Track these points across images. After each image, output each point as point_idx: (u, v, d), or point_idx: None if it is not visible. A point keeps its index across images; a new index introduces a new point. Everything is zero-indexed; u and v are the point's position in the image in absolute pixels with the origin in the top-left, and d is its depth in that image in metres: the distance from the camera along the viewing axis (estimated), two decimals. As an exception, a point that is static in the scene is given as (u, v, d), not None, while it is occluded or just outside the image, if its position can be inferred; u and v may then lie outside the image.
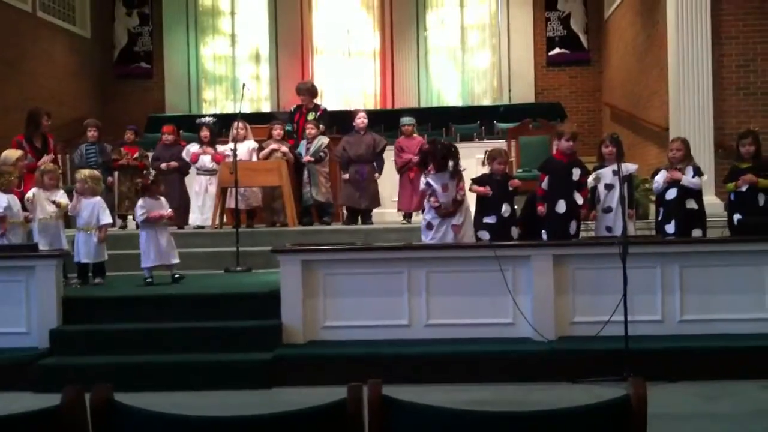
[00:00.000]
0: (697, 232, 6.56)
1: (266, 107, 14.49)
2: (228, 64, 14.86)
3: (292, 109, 10.18)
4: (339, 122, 10.89)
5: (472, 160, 8.69)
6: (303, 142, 9.38)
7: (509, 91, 14.19)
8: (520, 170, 10.08)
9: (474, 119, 12.65)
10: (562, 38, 14.16)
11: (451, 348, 5.55)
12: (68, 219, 7.34)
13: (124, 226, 9.33)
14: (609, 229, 6.65)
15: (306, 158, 9.25)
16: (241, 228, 8.02)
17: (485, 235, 6.62)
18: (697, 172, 6.68)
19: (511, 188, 6.83)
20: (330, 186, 9.41)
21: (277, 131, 9.48)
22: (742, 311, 5.66)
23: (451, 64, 14.64)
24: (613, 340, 5.28)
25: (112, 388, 2.14)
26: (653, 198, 7.43)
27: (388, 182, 9.68)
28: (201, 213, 9.13)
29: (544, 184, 6.77)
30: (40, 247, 6.36)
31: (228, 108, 14.33)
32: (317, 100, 10.21)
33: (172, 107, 14.39)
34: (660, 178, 6.74)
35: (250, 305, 5.96)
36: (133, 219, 7.50)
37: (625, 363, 5.03)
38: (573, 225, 6.67)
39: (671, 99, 9.41)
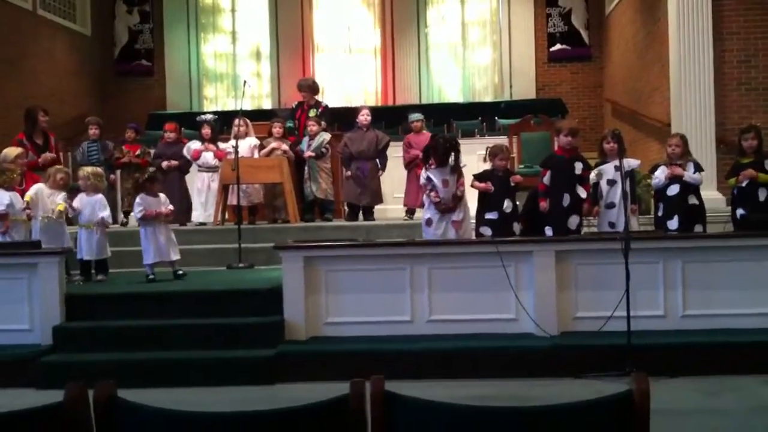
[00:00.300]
0: (698, 228, 6.57)
1: (267, 104, 14.46)
2: (229, 62, 14.84)
3: (294, 106, 10.18)
4: (340, 119, 10.90)
5: (474, 156, 8.66)
6: (305, 139, 9.38)
7: (510, 87, 14.17)
8: (522, 166, 10.07)
9: (475, 115, 12.60)
10: (563, 34, 14.13)
11: (453, 344, 5.56)
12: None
13: (125, 223, 9.34)
14: (612, 224, 6.64)
15: (307, 153, 9.25)
16: (243, 225, 8.04)
17: (487, 231, 6.63)
18: (698, 168, 6.67)
19: (512, 184, 6.83)
20: (332, 182, 9.41)
21: (277, 129, 9.48)
22: (745, 306, 5.67)
23: (452, 61, 14.60)
24: (616, 336, 5.27)
25: (116, 385, 2.14)
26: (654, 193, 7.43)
27: (390, 178, 9.68)
28: (203, 210, 9.13)
29: (546, 180, 6.78)
30: (43, 245, 6.36)
31: (229, 105, 14.31)
32: (318, 97, 10.20)
33: (173, 105, 14.38)
34: (660, 173, 6.73)
35: (253, 302, 5.95)
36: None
37: (627, 358, 5.03)
38: (575, 219, 6.67)
39: (672, 95, 9.40)
